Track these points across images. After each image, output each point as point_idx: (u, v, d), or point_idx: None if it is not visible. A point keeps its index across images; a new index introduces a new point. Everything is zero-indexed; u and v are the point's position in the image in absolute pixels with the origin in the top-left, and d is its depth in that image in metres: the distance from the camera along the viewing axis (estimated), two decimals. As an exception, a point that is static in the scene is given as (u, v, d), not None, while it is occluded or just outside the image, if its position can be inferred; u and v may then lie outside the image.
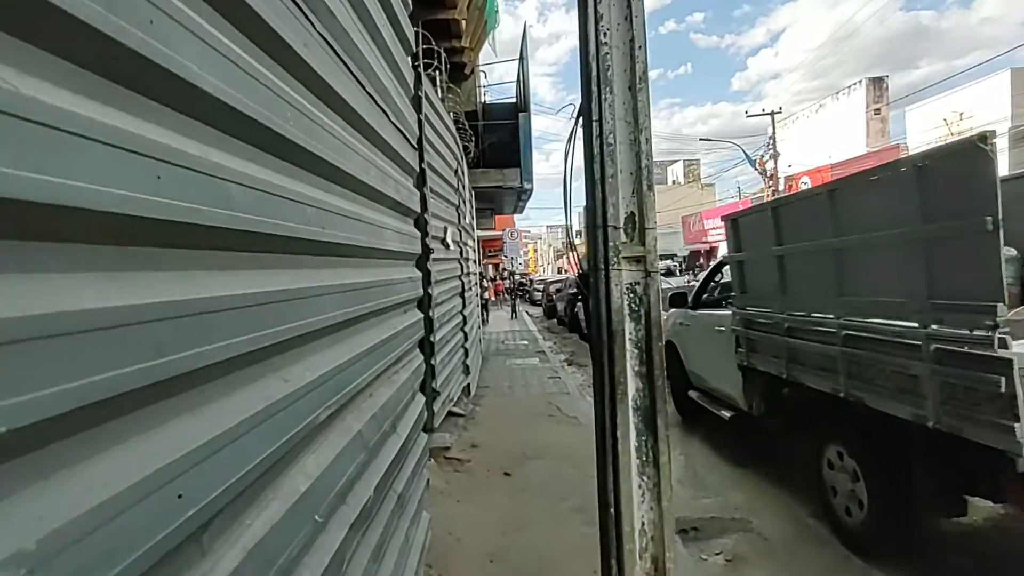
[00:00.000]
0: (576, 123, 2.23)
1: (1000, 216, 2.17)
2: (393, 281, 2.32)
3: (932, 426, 2.53)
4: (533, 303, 29.78)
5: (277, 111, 1.25)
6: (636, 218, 2.17)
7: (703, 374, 5.14)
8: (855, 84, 25.94)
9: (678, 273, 26.69)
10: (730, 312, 4.42)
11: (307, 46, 1.42)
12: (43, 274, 0.66)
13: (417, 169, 2.94)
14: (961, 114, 15.16)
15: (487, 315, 16.94)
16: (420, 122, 4.54)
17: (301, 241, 1.39)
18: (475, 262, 9.12)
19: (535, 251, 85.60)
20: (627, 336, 2.14)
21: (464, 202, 7.39)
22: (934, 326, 2.52)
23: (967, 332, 2.36)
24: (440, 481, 4.26)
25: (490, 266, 36.15)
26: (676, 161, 54.53)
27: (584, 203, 2.26)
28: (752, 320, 4.03)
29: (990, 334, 2.24)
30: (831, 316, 3.18)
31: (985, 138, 2.24)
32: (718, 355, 4.68)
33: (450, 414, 5.73)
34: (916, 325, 2.61)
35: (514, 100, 12.13)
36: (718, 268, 5.59)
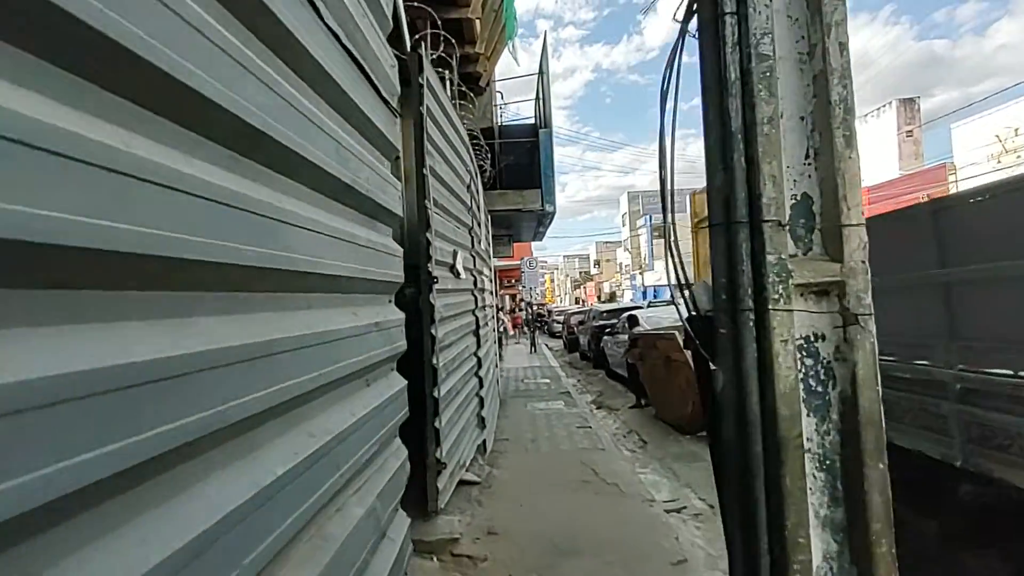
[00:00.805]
0: (683, 29, 1.18)
1: None
2: (338, 334, 1.25)
3: None
4: (552, 335, 28.56)
5: None
6: (818, 206, 1.09)
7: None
8: (885, 106, 25.06)
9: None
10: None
11: None
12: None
13: (399, 149, 1.90)
14: (1016, 129, 13.96)
15: (503, 350, 15.81)
16: (422, 116, 3.56)
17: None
18: (491, 293, 8.07)
19: (552, 281, 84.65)
20: (804, 446, 1.04)
21: (479, 225, 6.39)
22: None
23: None
24: (445, 597, 3.11)
25: (506, 297, 35.14)
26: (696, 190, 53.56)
27: (705, 182, 1.19)
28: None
29: None
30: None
31: None
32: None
33: (461, 483, 4.59)
34: None
35: (532, 121, 11.28)
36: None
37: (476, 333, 5.50)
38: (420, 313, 3.59)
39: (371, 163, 1.55)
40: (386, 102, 1.71)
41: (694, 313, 1.20)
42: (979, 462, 2.32)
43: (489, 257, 8.26)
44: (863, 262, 1.05)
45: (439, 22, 5.07)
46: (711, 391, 1.17)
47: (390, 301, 1.69)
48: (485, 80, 8.43)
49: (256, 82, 1.01)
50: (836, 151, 1.08)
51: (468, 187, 5.50)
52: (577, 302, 61.39)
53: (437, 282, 3.63)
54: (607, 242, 69.99)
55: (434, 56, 5.17)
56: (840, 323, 1.06)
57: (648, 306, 13.92)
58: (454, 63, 5.80)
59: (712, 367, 1.13)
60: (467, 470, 4.84)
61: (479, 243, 6.17)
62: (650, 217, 49.25)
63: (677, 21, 1.18)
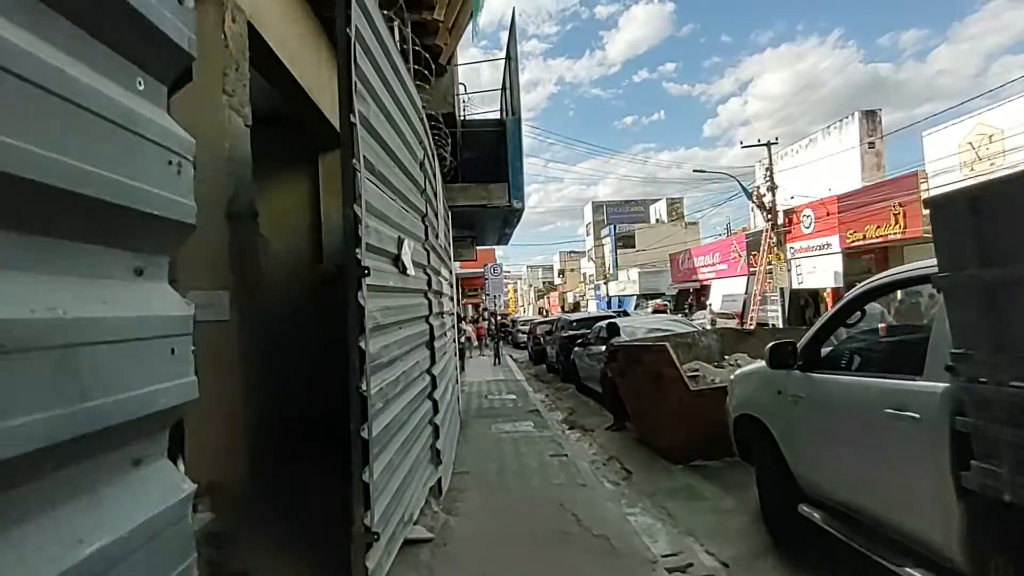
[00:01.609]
0: None
1: None
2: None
3: None
4: (517, 346, 27.51)
5: None
6: None
7: (843, 484, 3.02)
8: (847, 118, 25.43)
9: (669, 312, 24.72)
10: (939, 386, 2.35)
11: None
12: None
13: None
14: (991, 136, 13.85)
15: (465, 362, 14.68)
16: (350, 41, 2.51)
17: None
18: (451, 299, 6.98)
19: (515, 291, 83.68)
20: None
21: (436, 216, 5.33)
22: None
23: None
24: None
25: (469, 306, 33.88)
26: (659, 200, 53.92)
27: None
28: (1020, 407, 1.97)
29: None
30: None
31: None
32: (891, 461, 2.59)
33: (407, 543, 3.49)
34: None
35: (498, 113, 10.31)
36: (859, 302, 3.39)
37: (430, 345, 4.42)
38: (344, 319, 2.51)
39: None
40: None
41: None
42: None
43: (449, 258, 7.19)
44: None
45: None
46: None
47: (142, 271, 0.64)
48: (446, 57, 7.40)
49: None
50: None
51: (421, 165, 4.44)
52: (541, 312, 60.58)
53: (369, 274, 2.56)
54: (571, 252, 69.64)
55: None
56: None
57: (623, 314, 13.05)
58: (405, 15, 4.75)
59: None
60: (415, 523, 3.75)
61: (435, 236, 5.10)
62: (614, 227, 49.07)
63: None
